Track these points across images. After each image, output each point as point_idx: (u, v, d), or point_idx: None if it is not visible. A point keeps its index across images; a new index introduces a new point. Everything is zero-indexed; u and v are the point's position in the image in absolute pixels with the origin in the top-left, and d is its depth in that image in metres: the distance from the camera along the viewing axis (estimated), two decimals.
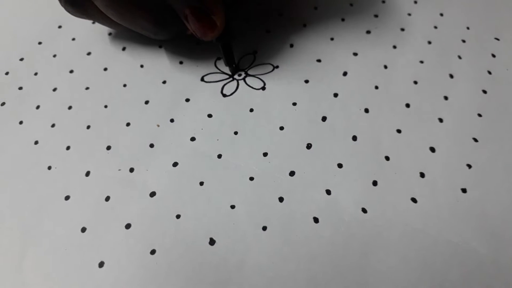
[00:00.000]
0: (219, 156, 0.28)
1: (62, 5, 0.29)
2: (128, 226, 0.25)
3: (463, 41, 0.32)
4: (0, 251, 0.25)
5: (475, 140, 0.27)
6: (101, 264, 0.24)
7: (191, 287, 0.23)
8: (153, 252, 0.24)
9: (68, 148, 0.29)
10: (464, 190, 0.25)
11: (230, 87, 0.31)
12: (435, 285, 0.23)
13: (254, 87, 0.31)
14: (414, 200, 0.25)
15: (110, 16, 0.28)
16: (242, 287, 0.23)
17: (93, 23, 0.35)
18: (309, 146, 0.28)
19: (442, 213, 0.25)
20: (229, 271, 0.23)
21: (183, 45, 0.33)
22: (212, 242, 0.24)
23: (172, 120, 0.29)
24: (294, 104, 0.29)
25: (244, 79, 0.31)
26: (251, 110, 0.29)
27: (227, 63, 0.31)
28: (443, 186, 0.26)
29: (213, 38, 0.28)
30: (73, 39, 0.35)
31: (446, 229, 0.24)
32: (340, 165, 0.27)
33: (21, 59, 0.34)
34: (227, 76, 0.31)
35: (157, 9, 0.27)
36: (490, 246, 0.24)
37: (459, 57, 0.31)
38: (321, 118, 0.29)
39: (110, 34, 0.34)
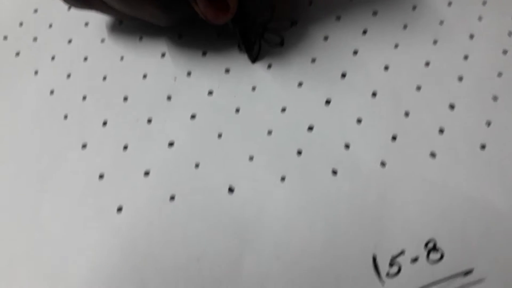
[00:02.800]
0: (237, 110, 0.27)
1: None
2: (146, 173, 0.25)
3: (484, 3, 0.32)
4: (18, 198, 0.25)
5: (495, 98, 0.27)
6: (119, 209, 0.24)
7: (210, 233, 0.23)
8: (172, 198, 0.24)
9: (84, 98, 0.29)
10: (483, 147, 0.25)
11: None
12: (453, 237, 0.23)
13: (272, 42, 0.30)
14: (433, 154, 0.25)
15: (115, 6, 0.26)
16: (260, 234, 0.23)
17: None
18: (328, 101, 0.27)
19: (461, 168, 0.25)
20: (247, 218, 0.24)
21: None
22: (231, 190, 0.24)
23: (189, 73, 0.29)
24: (313, 60, 0.29)
25: (261, 34, 0.31)
26: (269, 66, 0.29)
27: (246, 50, 0.29)
28: (462, 142, 0.25)
29: (225, 21, 0.25)
30: None
31: (465, 184, 0.24)
32: (359, 120, 0.27)
33: (35, 11, 0.33)
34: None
35: None
36: (509, 201, 0.24)
37: (479, 19, 0.31)
38: (340, 74, 0.28)
39: None
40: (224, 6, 0.25)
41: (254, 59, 0.30)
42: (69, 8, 0.33)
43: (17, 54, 0.31)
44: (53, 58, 0.31)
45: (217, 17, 0.25)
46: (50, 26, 0.33)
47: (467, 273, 0.22)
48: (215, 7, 0.24)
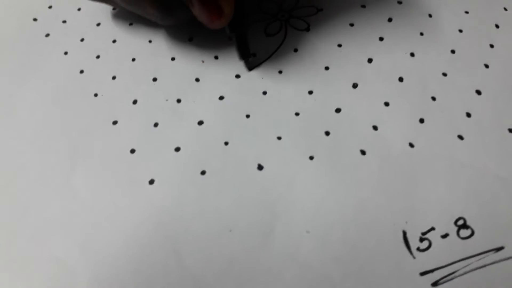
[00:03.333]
0: (264, 93, 0.28)
1: None
2: (177, 149, 0.25)
3: None
4: (49, 169, 0.25)
5: None
6: (151, 182, 0.24)
7: (241, 205, 0.24)
8: (203, 172, 0.25)
9: (113, 78, 0.29)
10: (511, 130, 0.26)
11: (273, 28, 0.31)
12: (483, 215, 0.23)
13: (298, 28, 0.31)
14: (460, 137, 0.25)
15: (118, 2, 0.27)
16: (290, 208, 0.23)
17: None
18: (355, 85, 0.28)
19: (489, 149, 0.25)
20: (278, 193, 0.24)
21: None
22: (260, 167, 0.25)
23: (216, 57, 0.30)
24: (339, 45, 0.30)
25: (287, 20, 0.31)
26: (295, 50, 0.30)
27: (242, 56, 0.28)
28: (490, 125, 0.26)
29: (220, 26, 0.25)
30: None
31: (493, 164, 0.24)
32: (386, 104, 0.27)
33: None
34: (271, 16, 0.31)
35: None
36: None
37: (505, 9, 0.31)
38: (367, 60, 0.29)
39: None
40: (219, 11, 0.24)
41: (250, 67, 0.29)
42: None
43: (47, 35, 0.32)
44: (82, 40, 0.31)
45: (211, 22, 0.25)
46: (79, 9, 0.33)
47: (498, 249, 0.22)
48: (210, 12, 0.24)
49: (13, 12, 0.33)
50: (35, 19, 0.32)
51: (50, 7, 0.33)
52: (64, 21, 0.32)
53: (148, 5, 0.25)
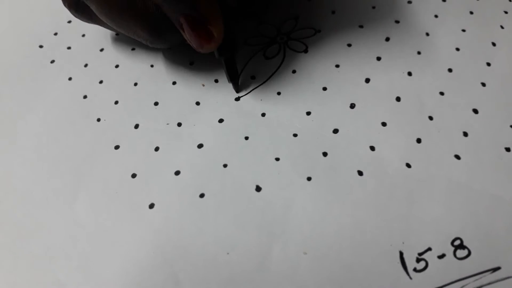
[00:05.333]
0: (263, 114, 0.28)
1: (66, 8, 0.28)
2: (177, 173, 0.26)
3: (505, 12, 0.33)
4: (52, 194, 0.26)
5: None
6: (151, 206, 0.25)
7: (239, 227, 0.24)
8: (202, 195, 0.25)
9: (116, 102, 0.30)
10: (508, 149, 0.26)
11: (272, 50, 0.31)
12: (480, 235, 0.23)
13: (296, 50, 0.31)
14: (457, 156, 0.26)
15: (107, 23, 0.27)
16: (288, 230, 0.24)
17: None
18: (352, 105, 0.28)
19: (486, 169, 0.25)
20: (275, 214, 0.24)
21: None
22: (258, 189, 0.25)
23: (216, 81, 0.30)
24: (337, 66, 0.30)
25: (286, 42, 0.32)
26: (294, 71, 0.30)
27: (230, 79, 0.29)
28: (487, 145, 0.26)
29: (210, 50, 0.26)
30: None
31: (491, 183, 0.24)
32: (384, 124, 0.27)
33: (69, 22, 0.35)
34: (269, 40, 0.32)
35: (152, 17, 0.25)
36: None
37: (502, 27, 0.32)
38: (364, 80, 0.29)
39: None
40: (209, 35, 0.25)
41: (238, 89, 0.30)
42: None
43: (52, 61, 0.32)
44: (86, 65, 0.32)
45: (201, 47, 0.25)
46: (83, 35, 0.34)
47: (495, 269, 0.22)
48: (200, 36, 0.25)
49: (20, 40, 0.34)
50: (41, 46, 0.33)
51: (55, 34, 0.34)
52: (69, 47, 0.33)
53: (139, 28, 0.26)
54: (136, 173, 0.26)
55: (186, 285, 0.23)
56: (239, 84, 0.30)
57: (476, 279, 0.22)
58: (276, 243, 0.23)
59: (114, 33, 0.34)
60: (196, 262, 0.23)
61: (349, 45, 0.31)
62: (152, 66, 0.31)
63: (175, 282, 0.23)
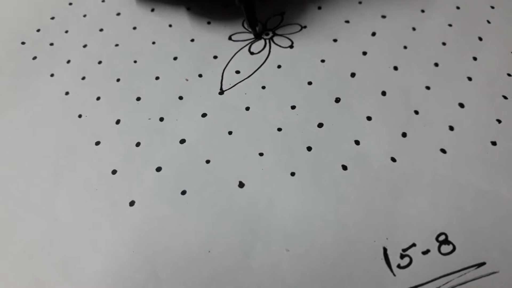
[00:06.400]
0: (247, 108, 0.28)
1: None
2: (158, 169, 0.25)
3: (492, 7, 0.32)
4: (33, 192, 0.25)
5: (505, 97, 0.27)
6: (132, 203, 0.24)
7: (221, 225, 0.23)
8: (183, 192, 0.25)
9: (98, 98, 0.29)
10: (494, 143, 0.25)
11: (257, 46, 0.31)
12: (464, 230, 0.23)
13: (282, 45, 0.31)
14: (443, 151, 0.25)
15: None
16: (270, 226, 0.23)
17: None
18: (337, 100, 0.28)
19: (472, 163, 0.25)
20: (258, 211, 0.24)
21: (210, 8, 0.33)
22: (241, 185, 0.25)
23: (200, 75, 0.30)
24: (323, 61, 0.30)
25: (271, 38, 0.31)
26: (279, 66, 0.30)
27: (250, 25, 0.31)
28: (473, 139, 0.26)
29: None
30: (103, 0, 0.35)
31: (476, 178, 0.24)
32: (369, 118, 0.27)
33: (52, 18, 0.34)
34: (255, 35, 0.31)
35: None
36: None
37: (488, 22, 0.31)
38: (350, 74, 0.29)
39: None
40: None
41: (257, 34, 0.31)
42: (84, 16, 0.33)
43: (34, 58, 0.32)
44: (68, 61, 0.32)
45: None
46: (66, 32, 0.33)
47: (480, 265, 0.22)
48: None
49: (2, 36, 0.33)
50: (23, 43, 0.33)
51: (38, 30, 0.34)
52: (52, 44, 0.33)
53: None
54: (116, 169, 0.26)
55: (167, 284, 0.22)
56: (257, 31, 0.31)
57: (461, 275, 0.21)
58: (258, 240, 0.23)
59: (97, 29, 0.33)
60: (177, 260, 0.22)
61: (335, 40, 0.31)
62: (135, 61, 0.31)
63: (155, 281, 0.22)
